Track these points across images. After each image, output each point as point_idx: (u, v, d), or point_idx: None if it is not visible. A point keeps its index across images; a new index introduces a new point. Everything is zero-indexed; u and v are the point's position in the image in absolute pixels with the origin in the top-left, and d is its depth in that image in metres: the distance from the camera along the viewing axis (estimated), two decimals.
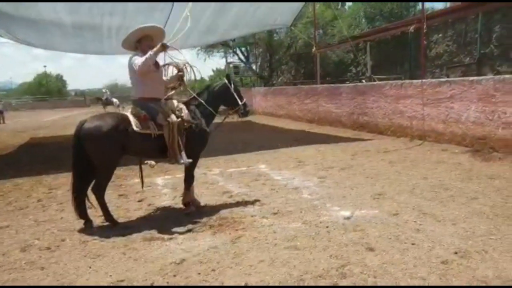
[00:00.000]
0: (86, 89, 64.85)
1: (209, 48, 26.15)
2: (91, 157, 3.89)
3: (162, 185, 5.80)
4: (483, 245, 3.08)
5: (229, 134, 12.37)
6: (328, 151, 7.88)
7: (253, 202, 4.59)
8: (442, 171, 5.70)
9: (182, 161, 4.08)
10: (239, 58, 27.20)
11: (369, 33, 13.37)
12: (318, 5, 21.48)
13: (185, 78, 4.30)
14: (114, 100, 24.91)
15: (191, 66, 4.35)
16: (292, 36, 22.68)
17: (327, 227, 3.67)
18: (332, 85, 12.85)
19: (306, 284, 2.61)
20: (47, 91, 54.40)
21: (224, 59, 28.50)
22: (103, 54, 13.54)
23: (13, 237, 3.83)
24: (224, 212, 4.26)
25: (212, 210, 4.37)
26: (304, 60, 23.24)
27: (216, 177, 6.12)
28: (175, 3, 8.53)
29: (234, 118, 17.54)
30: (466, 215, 3.77)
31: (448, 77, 11.79)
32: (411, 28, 10.20)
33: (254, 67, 26.52)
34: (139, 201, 4.95)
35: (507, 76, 6.63)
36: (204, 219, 4.05)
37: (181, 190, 4.62)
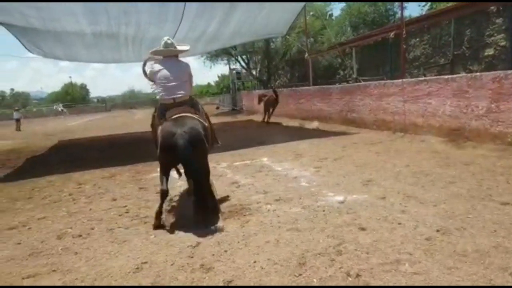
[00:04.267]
0: (106, 96, 65.02)
1: (214, 57, 26.04)
2: (199, 158, 3.49)
3: (176, 178, 5.78)
4: (462, 223, 3.07)
5: (233, 132, 12.39)
6: (321, 145, 7.85)
7: (257, 191, 4.58)
8: (422, 159, 5.67)
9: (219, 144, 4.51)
10: (241, 65, 27.07)
11: (354, 39, 13.27)
12: (308, 16, 21.39)
13: None
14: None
15: None
16: (286, 44, 22.59)
17: (323, 210, 3.66)
18: (323, 86, 12.77)
19: (306, 261, 2.61)
20: (72, 98, 54.52)
21: (227, 66, 28.33)
22: (120, 62, 13.63)
23: (49, 227, 3.84)
24: (233, 200, 4.25)
25: (223, 198, 4.37)
26: (298, 65, 23.19)
27: (224, 170, 6.11)
28: (184, 18, 8.49)
29: (238, 118, 17.62)
30: (446, 197, 3.75)
31: (425, 76, 11.71)
32: (392, 34, 10.12)
33: (254, 72, 26.43)
34: (157, 193, 4.93)
35: (478, 73, 6.58)
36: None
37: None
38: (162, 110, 3.82)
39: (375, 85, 9.23)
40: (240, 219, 3.62)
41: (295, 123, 12.88)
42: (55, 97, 58.13)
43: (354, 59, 14.33)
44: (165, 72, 3.81)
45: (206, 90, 57.86)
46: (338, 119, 10.83)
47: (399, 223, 3.17)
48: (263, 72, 25.92)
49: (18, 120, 21.87)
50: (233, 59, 26.53)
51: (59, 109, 29.66)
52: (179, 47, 4.01)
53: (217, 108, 32.06)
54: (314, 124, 10.31)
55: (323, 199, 4.05)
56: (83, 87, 63.37)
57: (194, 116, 3.71)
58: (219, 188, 4.86)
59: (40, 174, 6.71)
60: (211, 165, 6.42)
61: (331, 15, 26.40)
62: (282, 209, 3.82)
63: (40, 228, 3.82)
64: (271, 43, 24.40)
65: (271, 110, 13.44)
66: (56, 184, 5.90)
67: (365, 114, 9.57)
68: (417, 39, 14.38)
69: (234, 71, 26.61)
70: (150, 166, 6.76)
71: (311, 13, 20.64)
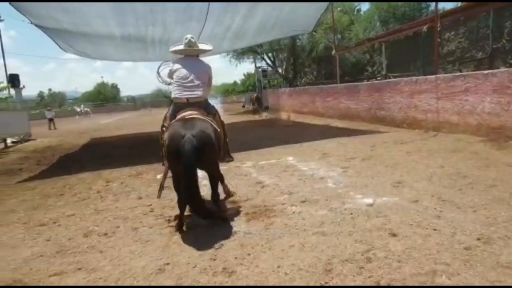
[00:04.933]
0: (136, 95, 66.94)
1: (240, 55, 26.08)
2: (209, 160, 3.42)
3: (201, 177, 5.76)
4: (505, 231, 2.81)
5: (259, 131, 12.32)
6: (349, 144, 7.61)
7: (282, 191, 4.47)
8: (458, 160, 5.33)
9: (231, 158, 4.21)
10: (267, 63, 26.96)
11: (384, 34, 12.75)
12: (336, 11, 20.91)
13: None
14: None
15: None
16: (313, 41, 22.22)
17: (351, 214, 3.49)
18: (350, 83, 12.41)
19: (332, 268, 2.48)
20: (104, 97, 56.57)
21: (253, 65, 28.28)
22: (148, 61, 13.99)
23: (77, 224, 3.92)
24: (257, 201, 4.16)
25: (247, 199, 4.29)
26: (324, 62, 22.74)
27: (249, 169, 6.03)
28: (209, 15, 8.48)
29: (263, 116, 17.54)
30: (486, 202, 3.47)
31: (461, 71, 11.09)
32: (425, 28, 9.61)
33: (279, 70, 26.23)
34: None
35: None
36: (240, 208, 3.98)
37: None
38: (174, 111, 3.66)
39: (406, 81, 8.83)
40: (264, 221, 3.52)
41: (321, 121, 12.62)
42: (88, 97, 60.60)
43: (384, 55, 13.83)
44: (183, 70, 3.69)
45: (232, 89, 58.23)
46: (367, 117, 10.48)
47: (434, 229, 2.96)
48: (289, 70, 25.68)
49: (51, 120, 22.84)
50: (259, 57, 26.47)
51: (78, 110, 28.89)
52: (201, 46, 3.91)
53: (243, 106, 32.14)
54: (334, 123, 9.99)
55: (350, 201, 3.88)
56: (114, 87, 65.71)
57: (206, 118, 3.56)
58: (243, 188, 4.82)
59: (72, 172, 6.93)
60: (235, 164, 6.47)
61: (359, 10, 25.73)
62: (308, 211, 3.69)
63: (68, 225, 3.90)
64: (298, 40, 24.11)
65: (256, 104, 22.12)
66: (86, 182, 6.05)
67: (395, 112, 9.19)
68: (452, 33, 13.67)
69: (259, 69, 26.51)
70: None
71: (339, 8, 20.18)
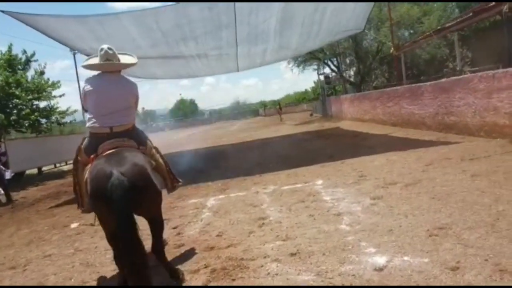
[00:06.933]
0: (218, 108, 70.60)
1: (301, 63, 25.04)
2: (147, 201, 2.64)
3: (209, 207, 5.04)
4: None
5: (311, 143, 11.19)
6: (399, 160, 6.10)
7: (279, 235, 3.46)
8: None
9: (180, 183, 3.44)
10: (331, 69, 25.38)
11: (456, 22, 10.47)
12: (404, 5, 18.59)
13: None
14: None
15: None
16: (377, 41, 20.08)
17: (342, 284, 2.34)
18: (412, 85, 10.45)
19: None
20: (184, 113, 60.73)
21: (316, 72, 26.94)
22: (193, 77, 14.04)
23: (41, 270, 3.50)
24: (238, 250, 3.24)
25: (230, 245, 3.40)
26: (394, 62, 20.36)
27: (265, 197, 5.09)
28: (238, 19, 7.67)
29: (325, 126, 16.06)
30: None
31: None
32: (505, 7, 7.40)
33: (344, 74, 24.41)
34: (174, 228, 4.26)
35: None
36: (211, 259, 3.11)
37: (222, 214, 3.78)
38: (93, 144, 2.75)
39: (480, 77, 6.86)
40: (226, 283, 2.59)
41: (381, 130, 10.91)
42: (172, 113, 65.72)
43: (457, 46, 11.43)
44: (103, 92, 2.83)
45: (302, 97, 57.22)
46: (433, 124, 8.57)
47: None
48: (356, 74, 23.74)
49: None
50: (322, 63, 25.07)
51: None
52: (123, 59, 2.95)
53: (311, 115, 31.49)
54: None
55: (355, 259, 2.69)
56: (192, 102, 70.04)
57: (135, 150, 2.73)
58: (238, 227, 3.94)
59: None
60: (257, 189, 5.59)
61: None
62: (288, 273, 2.64)
63: (33, 271, 3.51)
64: (363, 41, 22.12)
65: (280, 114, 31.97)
66: None
67: (468, 116, 7.23)
68: None
69: (322, 76, 25.07)
70: (196, 189, 6.31)
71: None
